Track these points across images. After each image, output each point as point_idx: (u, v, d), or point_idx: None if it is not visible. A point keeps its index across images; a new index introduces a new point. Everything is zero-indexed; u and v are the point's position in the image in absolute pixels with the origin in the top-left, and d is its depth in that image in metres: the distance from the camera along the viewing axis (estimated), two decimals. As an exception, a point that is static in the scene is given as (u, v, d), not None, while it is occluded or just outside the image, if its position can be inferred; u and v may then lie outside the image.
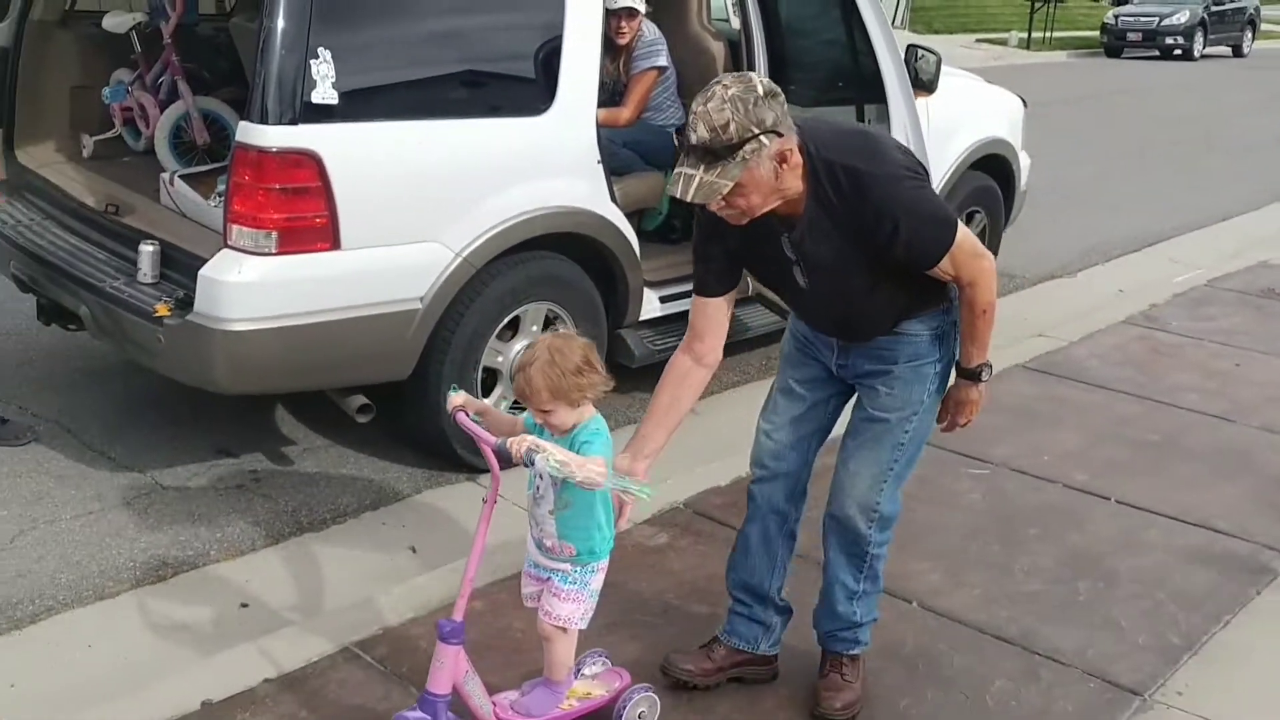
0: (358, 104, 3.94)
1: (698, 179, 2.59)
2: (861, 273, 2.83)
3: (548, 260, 4.56)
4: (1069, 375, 5.92)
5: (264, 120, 3.79)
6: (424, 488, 4.61)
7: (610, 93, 5.69)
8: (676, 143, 2.65)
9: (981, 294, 2.87)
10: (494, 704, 2.91)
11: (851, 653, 3.26)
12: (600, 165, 4.67)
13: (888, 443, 3.03)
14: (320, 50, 3.81)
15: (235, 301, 3.87)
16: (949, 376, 3.08)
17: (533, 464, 2.56)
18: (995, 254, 6.97)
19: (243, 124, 3.84)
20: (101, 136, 5.29)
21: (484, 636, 3.56)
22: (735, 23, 5.52)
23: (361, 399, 4.32)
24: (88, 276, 4.26)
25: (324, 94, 3.84)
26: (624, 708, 3.03)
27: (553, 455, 2.56)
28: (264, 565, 4.03)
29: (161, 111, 5.13)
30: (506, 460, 2.61)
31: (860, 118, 5.06)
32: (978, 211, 6.74)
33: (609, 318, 4.89)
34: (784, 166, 2.65)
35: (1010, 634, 3.63)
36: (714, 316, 2.98)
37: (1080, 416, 5.42)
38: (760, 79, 2.66)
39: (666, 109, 5.71)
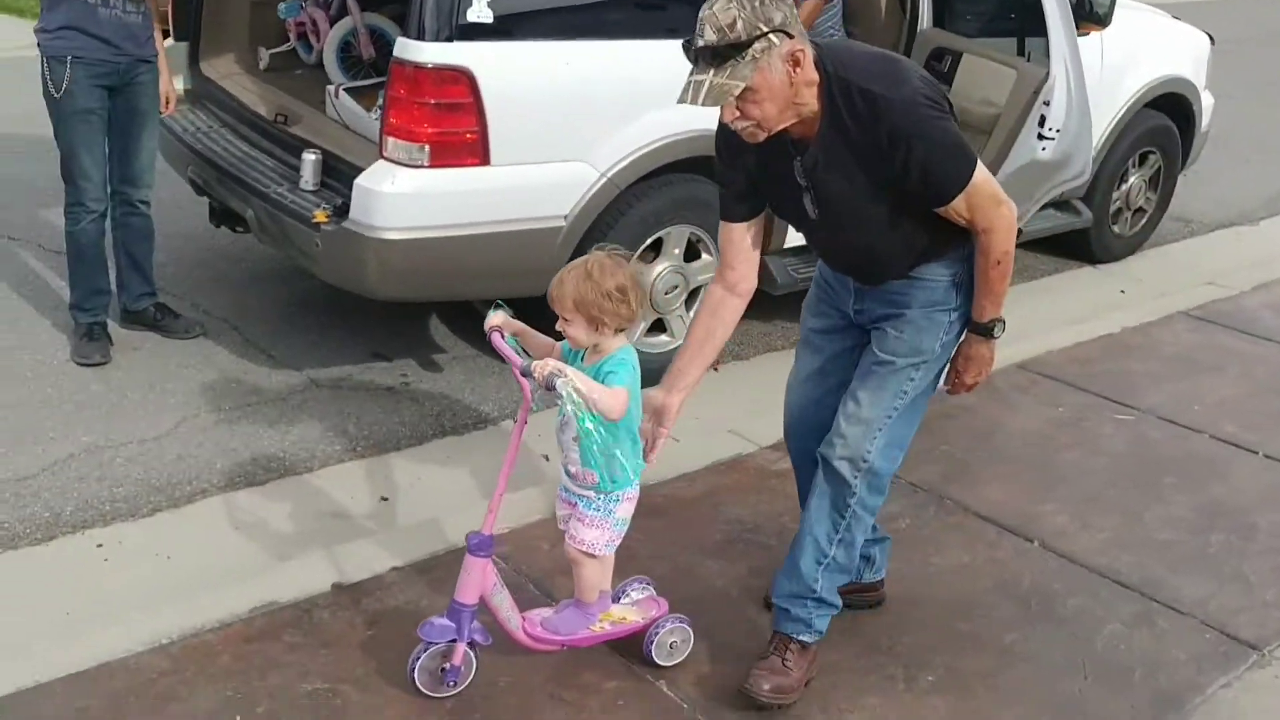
0: (511, 23, 4.03)
1: (708, 83, 2.50)
2: (873, 205, 2.73)
3: (692, 183, 4.59)
4: (1235, 325, 5.69)
5: (421, 37, 3.92)
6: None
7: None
8: (685, 54, 2.54)
9: (997, 241, 2.74)
10: (524, 619, 2.98)
11: (801, 638, 3.06)
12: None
13: (891, 388, 2.91)
14: (477, -31, 3.92)
15: (387, 211, 4.04)
16: (961, 327, 2.95)
17: (553, 388, 2.57)
18: (1169, 197, 6.72)
19: (400, 40, 3.98)
20: (277, 49, 5.52)
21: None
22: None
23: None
24: (255, 182, 4.50)
25: (480, 13, 3.95)
26: (654, 636, 3.06)
27: (573, 381, 2.57)
28: (406, 463, 4.23)
29: (331, 26, 5.33)
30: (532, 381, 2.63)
31: (1020, 50, 4.92)
32: (1152, 152, 6.48)
33: (753, 243, 4.90)
34: (796, 70, 2.55)
35: (1131, 580, 3.57)
36: (739, 243, 2.92)
37: (1241, 367, 5.22)
38: None
39: (830, 37, 5.64)
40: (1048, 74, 4.59)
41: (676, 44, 4.34)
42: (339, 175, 4.35)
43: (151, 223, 4.79)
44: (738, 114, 2.59)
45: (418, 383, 4.77)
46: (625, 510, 2.91)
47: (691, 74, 2.54)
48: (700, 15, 2.53)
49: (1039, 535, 3.83)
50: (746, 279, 2.94)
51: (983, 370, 2.96)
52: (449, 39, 3.92)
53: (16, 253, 5.59)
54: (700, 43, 2.51)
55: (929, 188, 2.67)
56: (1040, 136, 4.61)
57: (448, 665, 2.89)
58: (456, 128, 4.00)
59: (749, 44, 2.48)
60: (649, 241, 4.58)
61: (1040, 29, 4.69)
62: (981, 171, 2.69)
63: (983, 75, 4.85)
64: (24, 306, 5.08)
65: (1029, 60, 4.82)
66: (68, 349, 4.73)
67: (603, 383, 2.67)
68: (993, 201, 2.71)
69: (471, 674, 2.94)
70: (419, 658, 2.88)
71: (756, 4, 2.49)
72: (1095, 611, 3.42)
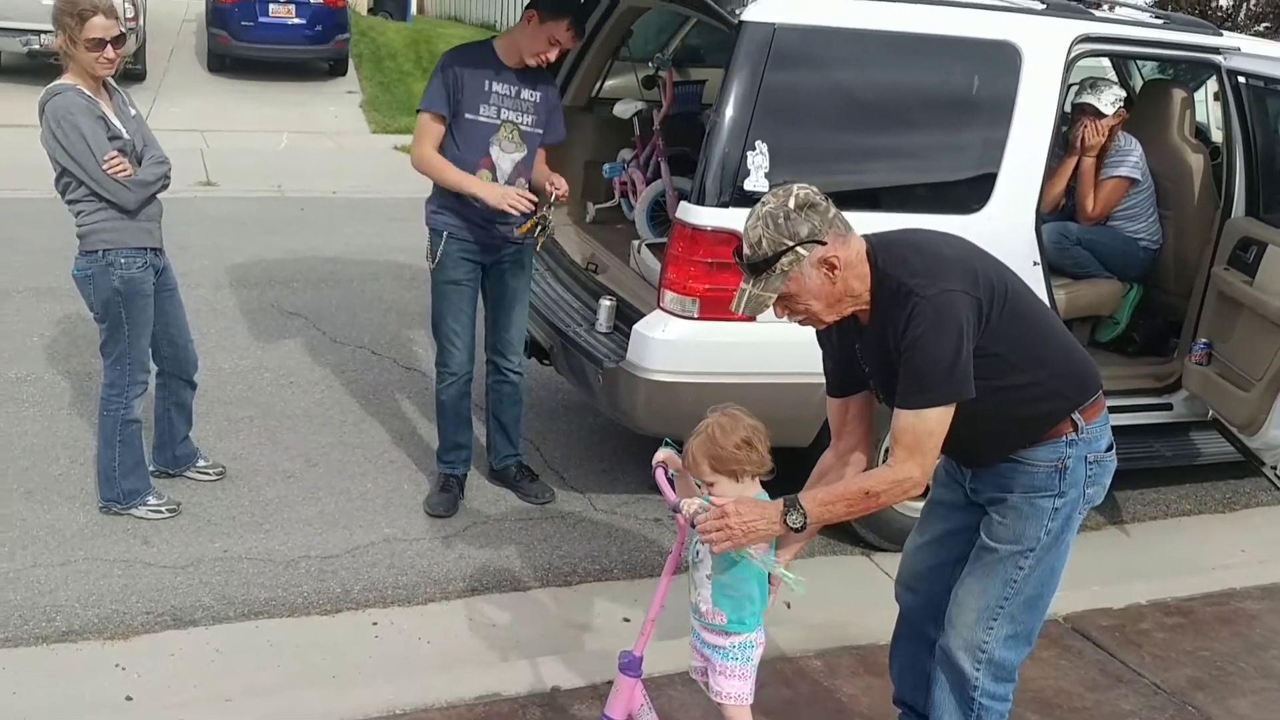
0: (786, 192, 4.36)
1: (747, 293, 2.70)
2: None
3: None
4: None
5: (702, 202, 4.33)
6: (816, 553, 4.90)
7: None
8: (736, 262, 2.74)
9: (882, 479, 2.71)
10: None
11: None
12: (1038, 268, 4.71)
13: (999, 577, 2.88)
14: (758, 144, 4.29)
15: (658, 355, 4.43)
16: (1077, 516, 2.86)
17: (695, 525, 2.76)
18: None
19: (683, 204, 4.41)
20: (603, 205, 6.16)
21: (814, 693, 3.82)
22: (1217, 135, 5.32)
23: (769, 464, 4.70)
24: (558, 321, 5.05)
25: (756, 182, 4.31)
26: None
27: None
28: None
29: (647, 186, 5.89)
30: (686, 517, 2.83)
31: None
32: None
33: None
34: (834, 273, 2.65)
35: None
36: (841, 416, 3.01)
37: None
38: (798, 192, 2.65)
39: (1140, 220, 5.60)
40: (1349, 272, 4.38)
41: (955, 219, 4.60)
42: (629, 321, 4.80)
43: (520, 390, 5.06)
44: (785, 312, 2.76)
45: (684, 517, 5.08)
46: (758, 655, 3.03)
47: (742, 281, 2.75)
48: (742, 229, 2.73)
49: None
50: (855, 449, 3.02)
51: (736, 527, 2.73)
52: (726, 205, 4.30)
53: (377, 365, 6.47)
54: (742, 255, 2.73)
55: (900, 384, 2.69)
56: (1337, 336, 4.38)
57: (593, 773, 3.11)
58: (725, 285, 4.29)
59: (776, 259, 2.66)
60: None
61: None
62: (934, 417, 2.66)
63: (1287, 268, 4.68)
64: (374, 411, 5.88)
65: (1335, 255, 4.61)
66: (393, 450, 5.43)
67: None
68: (913, 447, 2.67)
69: (616, 784, 3.15)
70: (569, 762, 3.13)
71: (781, 221, 2.66)
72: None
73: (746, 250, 2.70)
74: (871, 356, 2.83)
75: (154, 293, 4.52)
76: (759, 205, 2.73)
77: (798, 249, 2.65)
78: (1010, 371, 2.77)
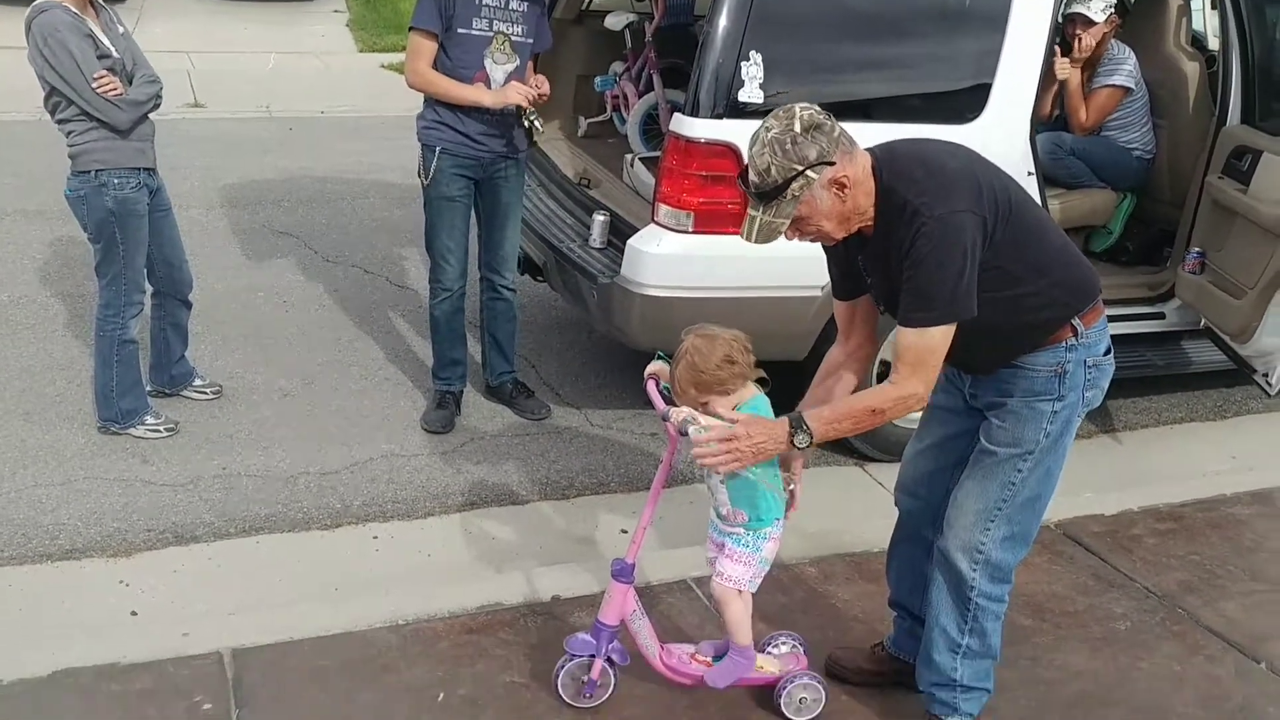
0: (780, 103, 4.32)
1: (758, 220, 2.66)
2: None
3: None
4: None
5: (696, 113, 4.29)
6: (811, 464, 4.92)
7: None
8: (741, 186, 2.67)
9: (885, 396, 2.74)
10: (663, 649, 3.15)
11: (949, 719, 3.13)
12: (1032, 178, 4.69)
13: (997, 479, 2.90)
14: (752, 54, 4.24)
15: (652, 270, 4.42)
16: (1075, 419, 2.88)
17: (685, 434, 2.78)
18: None
19: (676, 115, 4.38)
20: (595, 119, 6.11)
21: (809, 598, 3.89)
22: (1214, 43, 5.27)
23: (759, 372, 4.72)
24: (551, 237, 5.03)
25: (750, 93, 4.27)
26: (786, 687, 3.17)
27: (704, 427, 2.77)
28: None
29: (639, 99, 5.84)
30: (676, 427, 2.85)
31: (1323, 149, 4.69)
32: None
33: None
34: (844, 192, 2.63)
35: (1352, 714, 3.35)
36: (847, 317, 3.03)
37: None
38: (801, 114, 2.61)
39: (1133, 129, 5.57)
40: (1345, 177, 4.37)
41: (951, 129, 4.56)
42: (623, 236, 4.78)
43: (514, 306, 5.05)
44: (796, 235, 2.74)
45: (680, 431, 5.11)
46: (771, 549, 3.05)
47: (748, 208, 2.71)
48: (747, 155, 2.68)
49: (1270, 658, 3.65)
50: (862, 347, 3.05)
51: (746, 449, 2.74)
52: (720, 116, 4.27)
53: (370, 283, 6.45)
54: (748, 182, 2.67)
55: (902, 302, 2.70)
56: (1332, 244, 4.38)
57: (586, 678, 3.16)
58: (720, 198, 4.32)
59: (787, 185, 2.61)
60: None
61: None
62: (937, 335, 2.68)
63: (1280, 176, 4.67)
64: (368, 329, 5.88)
65: (1331, 162, 4.59)
66: (389, 367, 5.44)
67: None
68: (917, 364, 2.70)
69: (610, 690, 3.21)
70: (564, 667, 3.19)
71: (789, 146, 2.60)
72: (1301, 738, 3.25)
73: (754, 178, 2.64)
74: (875, 268, 2.84)
75: (149, 213, 4.49)
76: (762, 130, 2.66)
77: (808, 172, 2.61)
78: (1013, 283, 2.77)
